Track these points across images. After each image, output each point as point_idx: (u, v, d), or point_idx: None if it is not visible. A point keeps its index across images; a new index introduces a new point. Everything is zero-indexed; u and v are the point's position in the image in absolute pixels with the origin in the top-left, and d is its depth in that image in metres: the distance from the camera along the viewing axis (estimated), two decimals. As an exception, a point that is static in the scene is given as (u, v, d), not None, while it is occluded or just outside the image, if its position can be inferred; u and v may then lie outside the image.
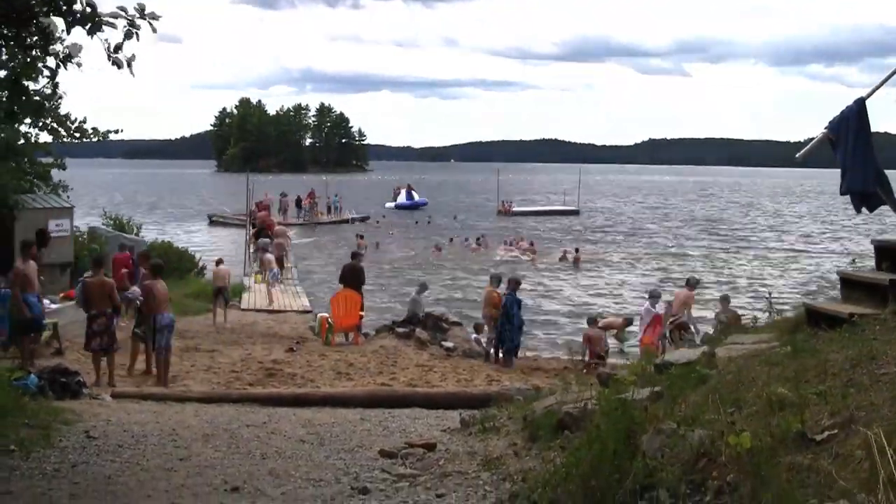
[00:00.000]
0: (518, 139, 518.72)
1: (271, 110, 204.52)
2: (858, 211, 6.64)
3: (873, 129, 6.38)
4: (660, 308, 17.43)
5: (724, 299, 17.46)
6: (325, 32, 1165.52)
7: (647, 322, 17.32)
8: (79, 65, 6.05)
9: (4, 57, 6.43)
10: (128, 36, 5.42)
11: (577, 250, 39.70)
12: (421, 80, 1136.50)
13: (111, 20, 5.39)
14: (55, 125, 10.74)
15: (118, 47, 5.45)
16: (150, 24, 5.45)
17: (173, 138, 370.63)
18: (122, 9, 5.41)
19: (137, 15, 5.39)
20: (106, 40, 5.45)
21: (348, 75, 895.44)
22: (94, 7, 5.40)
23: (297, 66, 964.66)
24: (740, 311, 16.88)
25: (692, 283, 18.84)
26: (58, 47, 5.90)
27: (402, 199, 73.55)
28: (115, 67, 5.50)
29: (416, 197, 74.65)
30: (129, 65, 5.55)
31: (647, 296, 18.72)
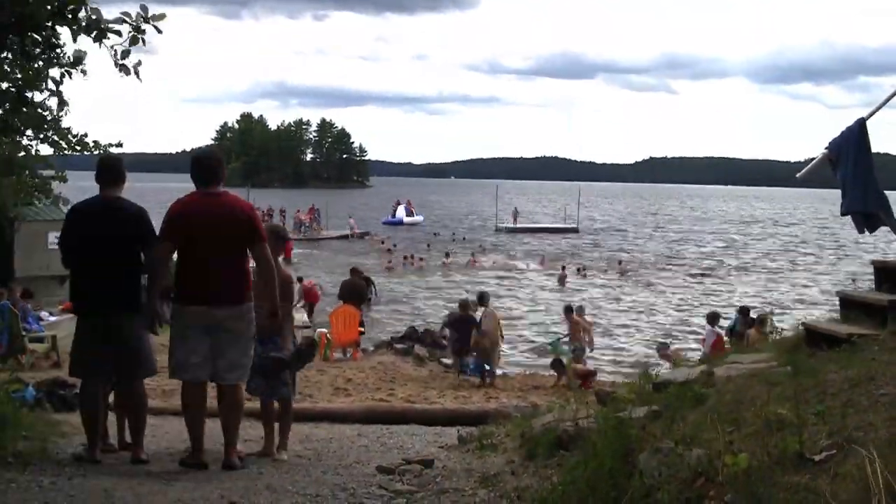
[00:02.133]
0: (518, 156, 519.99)
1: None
2: (861, 231, 6.67)
3: (874, 149, 6.41)
4: (719, 329, 17.49)
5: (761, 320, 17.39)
6: (299, 45, 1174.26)
7: (710, 343, 17.25)
8: (84, 72, 6.08)
9: (7, 68, 6.46)
10: (133, 42, 5.45)
11: (563, 267, 39.91)
12: (402, 95, 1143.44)
13: (116, 27, 5.42)
14: (56, 138, 10.75)
15: (125, 53, 5.48)
16: (155, 27, 5.48)
17: (173, 152, 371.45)
18: (126, 13, 5.44)
19: (142, 20, 5.42)
20: (112, 47, 5.48)
21: (331, 90, 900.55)
22: (98, 14, 5.43)
23: (280, 81, 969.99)
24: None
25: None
26: (63, 57, 5.94)
27: (400, 214, 73.72)
28: (123, 74, 5.53)
29: (410, 215, 74.72)
30: (136, 71, 5.57)
31: (706, 319, 18.61)
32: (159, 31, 5.51)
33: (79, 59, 5.95)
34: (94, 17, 5.42)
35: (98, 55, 5.70)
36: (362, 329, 19.75)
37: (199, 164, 6.38)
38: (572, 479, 4.44)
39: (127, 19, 5.41)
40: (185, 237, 6.24)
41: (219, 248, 6.24)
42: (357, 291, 20.23)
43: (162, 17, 5.46)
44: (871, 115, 6.47)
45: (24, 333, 14.72)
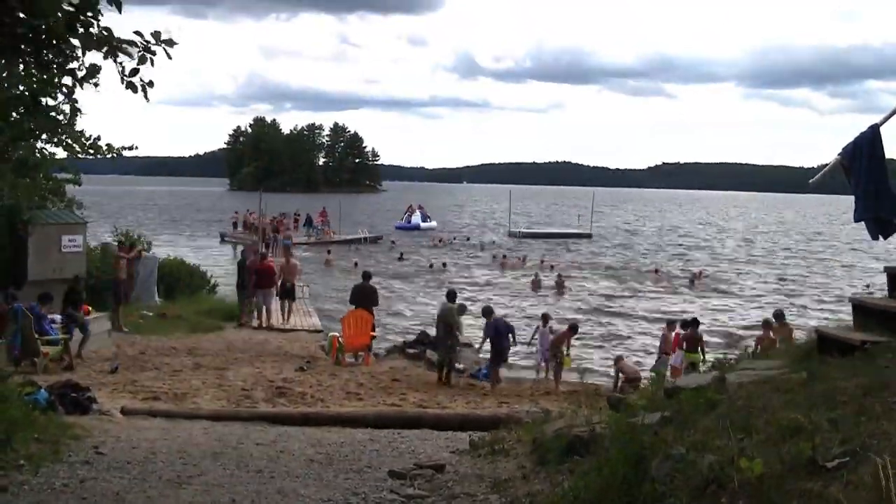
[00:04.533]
0: (531, 161, 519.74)
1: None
2: (875, 238, 6.62)
3: (888, 155, 6.37)
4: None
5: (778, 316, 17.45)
6: (272, 48, 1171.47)
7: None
8: (96, 85, 6.11)
9: (22, 73, 6.50)
10: (142, 61, 5.47)
11: (559, 276, 39.45)
12: (393, 98, 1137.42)
13: (127, 46, 5.44)
14: (70, 141, 10.85)
15: (134, 72, 5.51)
16: (166, 50, 5.51)
17: (187, 155, 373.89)
18: (139, 33, 5.46)
19: (153, 41, 5.44)
20: (121, 63, 5.51)
21: (324, 93, 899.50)
22: (109, 32, 5.46)
23: (265, 84, 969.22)
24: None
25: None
26: (75, 65, 5.96)
27: (416, 219, 73.80)
28: (130, 91, 5.55)
29: (426, 220, 74.71)
30: (145, 90, 5.59)
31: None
32: (170, 57, 5.55)
33: (92, 72, 5.98)
34: (105, 33, 5.45)
35: (110, 63, 5.73)
36: (374, 333, 19.74)
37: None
38: (584, 484, 4.43)
39: (137, 40, 5.44)
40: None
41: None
42: (368, 296, 20.21)
43: (172, 42, 5.51)
44: (884, 120, 6.43)
45: (37, 336, 14.76)
